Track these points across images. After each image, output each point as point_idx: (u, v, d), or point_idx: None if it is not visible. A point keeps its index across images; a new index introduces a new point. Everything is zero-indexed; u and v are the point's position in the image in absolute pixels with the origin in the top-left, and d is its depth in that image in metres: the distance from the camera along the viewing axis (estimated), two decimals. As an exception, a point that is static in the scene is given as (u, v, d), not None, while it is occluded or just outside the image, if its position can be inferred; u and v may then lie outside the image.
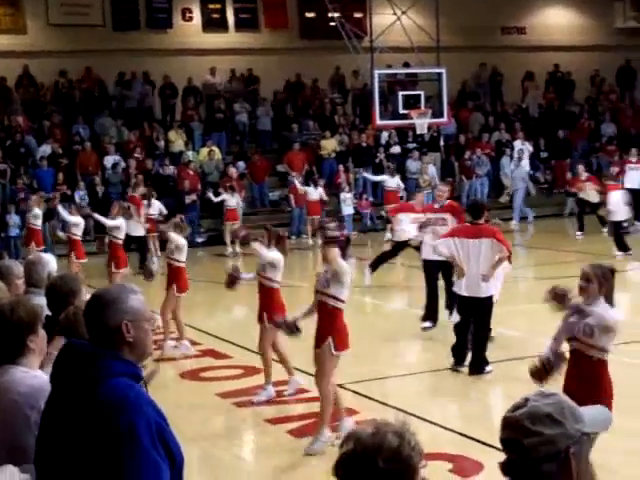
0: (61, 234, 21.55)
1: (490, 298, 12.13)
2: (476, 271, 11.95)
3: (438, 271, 14.47)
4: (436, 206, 14.91)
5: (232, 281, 12.13)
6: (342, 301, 9.49)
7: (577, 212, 26.73)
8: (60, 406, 3.89)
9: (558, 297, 7.49)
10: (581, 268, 7.43)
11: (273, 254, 11.26)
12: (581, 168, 26.70)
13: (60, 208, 20.87)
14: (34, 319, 4.72)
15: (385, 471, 2.78)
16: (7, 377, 4.62)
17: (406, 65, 30.65)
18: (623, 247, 21.96)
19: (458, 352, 12.32)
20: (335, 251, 9.49)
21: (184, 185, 27.89)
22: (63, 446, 3.81)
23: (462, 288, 12.17)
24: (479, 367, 12.10)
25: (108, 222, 18.27)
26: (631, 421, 8.68)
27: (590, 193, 25.36)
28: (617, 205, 22.57)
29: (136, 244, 22.90)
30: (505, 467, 3.03)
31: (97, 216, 15.00)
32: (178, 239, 14.16)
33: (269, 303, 11.33)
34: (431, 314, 14.49)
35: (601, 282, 7.25)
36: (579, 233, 25.78)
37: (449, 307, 14.23)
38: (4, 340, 4.71)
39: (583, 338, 7.24)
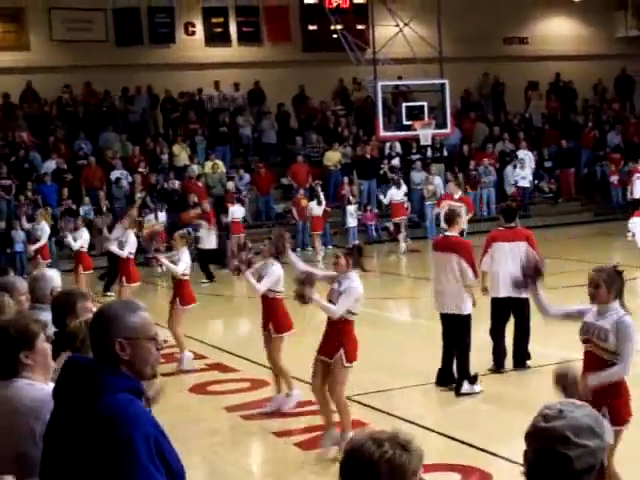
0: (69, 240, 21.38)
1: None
2: (515, 271, 12.02)
3: None
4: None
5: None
6: (354, 314, 9.53)
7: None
8: (62, 421, 3.91)
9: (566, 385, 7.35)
10: (588, 274, 7.42)
11: (271, 266, 11.27)
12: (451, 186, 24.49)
13: (69, 237, 20.64)
14: (26, 335, 4.73)
15: (386, 477, 2.79)
16: (11, 390, 4.64)
17: (400, 78, 30.67)
18: None
19: (497, 355, 12.55)
20: (350, 265, 9.56)
21: (190, 198, 27.92)
22: (66, 460, 3.83)
23: (499, 290, 12.33)
24: (522, 362, 12.55)
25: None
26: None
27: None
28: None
29: (209, 256, 23.04)
30: (535, 477, 3.01)
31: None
32: (184, 252, 14.15)
33: (274, 313, 11.33)
34: None
35: (609, 285, 7.23)
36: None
37: None
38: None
39: (598, 341, 7.23)
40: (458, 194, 21.10)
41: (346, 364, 9.41)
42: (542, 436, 3.01)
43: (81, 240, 20.18)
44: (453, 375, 11.92)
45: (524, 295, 12.19)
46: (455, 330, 11.81)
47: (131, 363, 3.92)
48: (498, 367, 12.57)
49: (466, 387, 11.68)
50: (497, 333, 12.62)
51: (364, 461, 2.83)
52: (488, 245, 12.68)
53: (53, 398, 4.03)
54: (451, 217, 12.22)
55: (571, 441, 2.95)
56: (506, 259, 12.22)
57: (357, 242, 11.07)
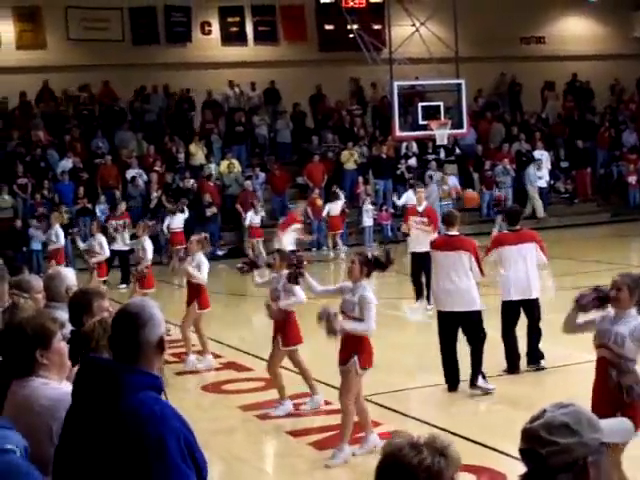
0: (83, 246, 21.34)
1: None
2: (524, 274, 12.32)
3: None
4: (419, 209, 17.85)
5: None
6: None
7: None
8: (82, 420, 3.91)
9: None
10: (612, 278, 7.41)
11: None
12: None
13: (79, 242, 20.61)
14: (42, 334, 4.73)
15: None
16: (28, 389, 4.65)
17: (417, 78, 30.65)
18: None
19: (511, 358, 12.61)
20: (364, 274, 9.56)
21: (205, 198, 28.00)
22: (85, 460, 3.83)
23: (510, 293, 12.45)
24: (537, 361, 12.66)
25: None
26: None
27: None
28: None
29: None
30: (525, 479, 3.03)
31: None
32: (201, 257, 14.15)
33: (284, 326, 11.32)
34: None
35: (632, 290, 7.22)
36: None
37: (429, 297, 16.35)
38: (14, 355, 4.74)
39: (613, 347, 7.20)
40: (422, 206, 17.98)
41: (360, 371, 9.41)
42: (524, 436, 3.06)
43: (102, 247, 20.24)
44: (459, 376, 11.99)
45: (534, 296, 12.32)
46: (467, 327, 11.92)
47: (162, 358, 4.07)
48: (512, 369, 12.58)
49: (481, 381, 11.80)
50: (509, 336, 12.62)
51: (403, 467, 2.82)
52: (492, 248, 12.77)
53: (72, 398, 4.05)
54: (451, 218, 12.45)
55: (542, 438, 2.98)
56: (515, 262, 12.37)
57: (388, 247, 10.90)
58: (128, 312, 4.11)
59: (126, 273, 22.34)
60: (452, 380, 11.98)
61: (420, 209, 17.98)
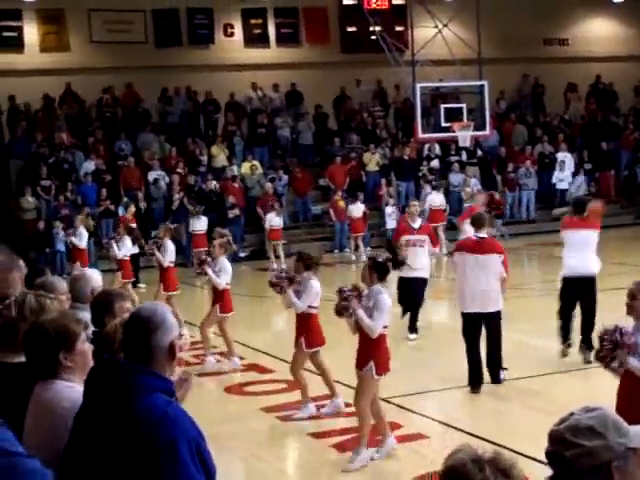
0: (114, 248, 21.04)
1: None
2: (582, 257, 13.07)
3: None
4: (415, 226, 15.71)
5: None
6: (385, 326, 9.51)
7: None
8: (92, 420, 3.93)
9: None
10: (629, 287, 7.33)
11: (306, 281, 11.22)
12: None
13: (114, 246, 20.39)
14: (65, 336, 4.73)
15: None
16: (51, 392, 4.65)
17: (440, 81, 30.61)
18: None
19: (565, 331, 13.28)
20: (378, 280, 9.55)
21: (227, 200, 28.05)
22: (94, 460, 3.85)
23: (570, 269, 13.09)
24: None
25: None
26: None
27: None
28: None
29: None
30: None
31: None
32: (224, 262, 14.15)
33: (306, 328, 11.30)
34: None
35: None
36: None
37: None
38: (38, 357, 4.74)
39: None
40: (417, 223, 15.66)
41: (376, 376, 9.39)
42: (550, 439, 3.06)
43: (125, 249, 20.14)
44: (482, 376, 12.07)
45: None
46: (491, 326, 12.12)
47: (174, 361, 4.07)
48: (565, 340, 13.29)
49: (503, 375, 12.17)
50: (565, 314, 13.27)
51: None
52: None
53: (83, 397, 4.07)
54: (481, 220, 12.44)
55: (567, 441, 2.97)
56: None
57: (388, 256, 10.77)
58: (140, 316, 4.12)
59: (136, 275, 22.17)
60: (476, 380, 11.98)
61: (415, 226, 15.69)
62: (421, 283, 15.52)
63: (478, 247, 12.09)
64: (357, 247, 27.57)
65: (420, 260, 15.08)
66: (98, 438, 3.85)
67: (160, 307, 4.19)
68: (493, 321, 12.10)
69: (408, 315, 15.48)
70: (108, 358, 4.22)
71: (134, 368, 3.93)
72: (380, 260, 9.64)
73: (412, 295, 15.33)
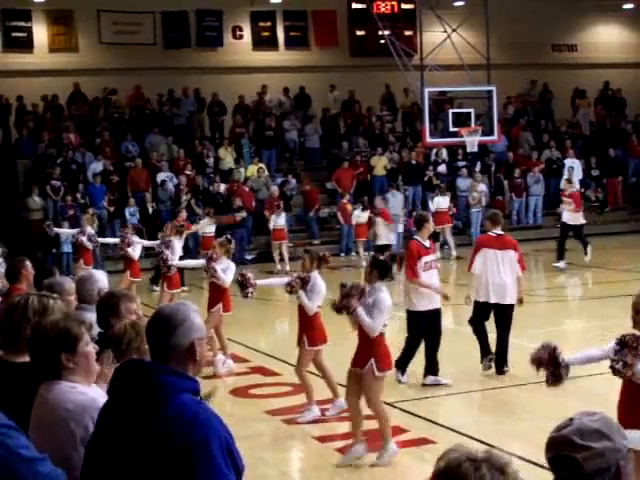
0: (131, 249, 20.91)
1: None
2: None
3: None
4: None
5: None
6: (384, 325, 9.56)
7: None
8: (119, 421, 3.92)
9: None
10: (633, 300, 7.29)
11: (314, 280, 11.23)
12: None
13: (129, 250, 20.26)
14: (67, 337, 4.71)
15: None
16: (54, 393, 4.64)
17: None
18: None
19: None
20: (378, 278, 9.55)
21: (235, 202, 28.04)
22: (123, 461, 3.83)
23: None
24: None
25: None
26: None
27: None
28: None
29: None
30: None
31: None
32: (228, 263, 14.13)
33: (309, 327, 11.32)
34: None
35: None
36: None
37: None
38: (41, 358, 4.73)
39: None
40: (427, 241, 12.80)
41: (378, 373, 9.42)
42: (552, 444, 3.06)
43: (138, 249, 20.19)
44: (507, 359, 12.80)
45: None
46: (502, 318, 12.85)
47: (199, 362, 4.07)
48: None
49: (506, 367, 12.81)
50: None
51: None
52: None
53: (108, 399, 4.06)
54: (497, 218, 13.36)
55: (576, 444, 2.98)
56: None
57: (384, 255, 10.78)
58: (161, 315, 4.12)
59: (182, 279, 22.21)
60: (486, 352, 12.93)
61: (427, 244, 12.82)
62: (440, 314, 12.88)
63: (497, 243, 12.98)
64: (357, 252, 27.51)
65: (437, 282, 12.81)
66: (126, 439, 3.84)
67: (184, 307, 4.18)
68: (507, 312, 12.80)
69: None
70: (135, 360, 4.26)
71: (162, 369, 3.94)
72: (381, 258, 9.69)
73: (435, 330, 12.72)
